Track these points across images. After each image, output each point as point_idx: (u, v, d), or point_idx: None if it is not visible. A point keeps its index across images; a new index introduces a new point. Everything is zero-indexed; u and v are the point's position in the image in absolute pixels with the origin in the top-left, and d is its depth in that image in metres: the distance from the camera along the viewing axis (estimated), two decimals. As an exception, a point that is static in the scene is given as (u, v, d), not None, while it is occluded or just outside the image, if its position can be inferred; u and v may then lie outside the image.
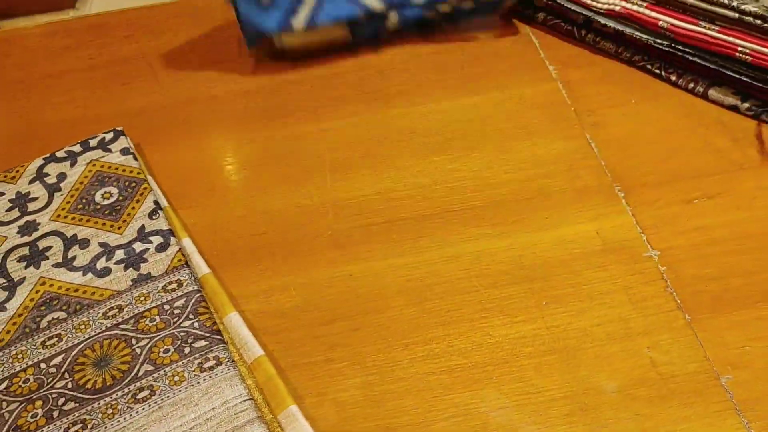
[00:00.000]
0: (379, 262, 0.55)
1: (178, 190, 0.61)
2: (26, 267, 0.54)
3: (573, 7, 0.69)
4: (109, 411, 0.45)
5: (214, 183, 0.62)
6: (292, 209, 0.59)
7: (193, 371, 0.46)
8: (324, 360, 0.49)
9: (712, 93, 0.63)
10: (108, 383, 0.46)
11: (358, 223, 0.58)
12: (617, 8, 0.66)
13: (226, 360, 0.47)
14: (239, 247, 0.57)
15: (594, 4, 0.67)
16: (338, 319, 0.52)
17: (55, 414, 0.45)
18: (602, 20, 0.67)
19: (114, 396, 0.46)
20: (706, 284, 0.51)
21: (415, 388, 0.47)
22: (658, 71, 0.66)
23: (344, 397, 0.47)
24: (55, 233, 0.56)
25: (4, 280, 0.53)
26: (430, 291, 0.52)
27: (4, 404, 0.46)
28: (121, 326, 0.49)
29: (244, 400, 0.44)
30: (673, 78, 0.65)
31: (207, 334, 0.48)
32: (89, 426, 0.44)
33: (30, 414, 0.45)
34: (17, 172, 0.61)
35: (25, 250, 0.55)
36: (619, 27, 0.66)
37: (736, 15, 0.58)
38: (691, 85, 0.64)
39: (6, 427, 0.45)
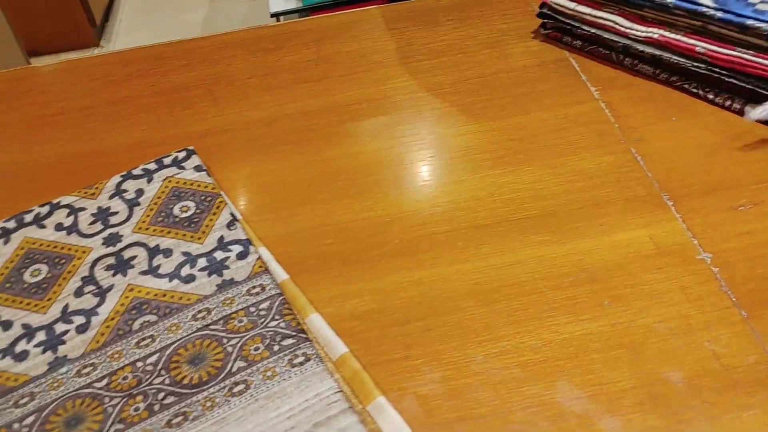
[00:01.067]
0: (447, 267, 0.58)
1: (245, 206, 0.65)
2: (114, 275, 0.57)
3: (611, 37, 0.73)
4: (208, 404, 0.48)
5: (280, 199, 0.66)
6: (358, 221, 0.63)
7: (284, 367, 0.49)
8: (402, 357, 0.52)
9: (748, 109, 0.67)
10: (204, 379, 0.49)
11: (423, 233, 0.61)
12: (655, 36, 0.70)
13: (314, 356, 0.49)
14: (309, 256, 0.60)
15: (632, 32, 0.72)
16: (412, 320, 0.55)
17: (156, 407, 0.48)
18: (640, 47, 0.71)
19: (211, 390, 0.48)
20: (759, 283, 0.54)
21: (491, 381, 0.50)
22: (695, 90, 0.70)
23: (424, 391, 0.50)
24: (139, 244, 0.59)
25: (95, 287, 0.56)
26: (498, 293, 0.55)
27: (107, 399, 0.49)
28: (211, 327, 0.52)
29: (335, 392, 0.47)
30: (710, 96, 0.69)
31: (293, 333, 0.51)
32: (190, 417, 0.47)
33: (132, 407, 0.48)
34: (96, 188, 0.65)
35: (112, 260, 0.58)
36: (657, 52, 0.70)
37: (771, 39, 0.62)
38: (728, 102, 0.68)
39: (111, 419, 0.48)
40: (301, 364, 0.49)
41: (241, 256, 0.57)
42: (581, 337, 0.52)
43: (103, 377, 0.50)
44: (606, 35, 0.73)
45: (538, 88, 0.74)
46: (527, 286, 0.56)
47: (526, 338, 0.52)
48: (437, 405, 0.49)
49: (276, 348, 0.50)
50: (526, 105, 0.72)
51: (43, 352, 0.53)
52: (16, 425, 0.48)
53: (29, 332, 0.54)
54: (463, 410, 0.49)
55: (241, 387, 0.48)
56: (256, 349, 0.50)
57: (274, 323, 0.52)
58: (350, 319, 0.55)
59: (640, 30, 0.71)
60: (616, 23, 0.73)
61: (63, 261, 0.59)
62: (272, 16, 1.80)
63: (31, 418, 0.49)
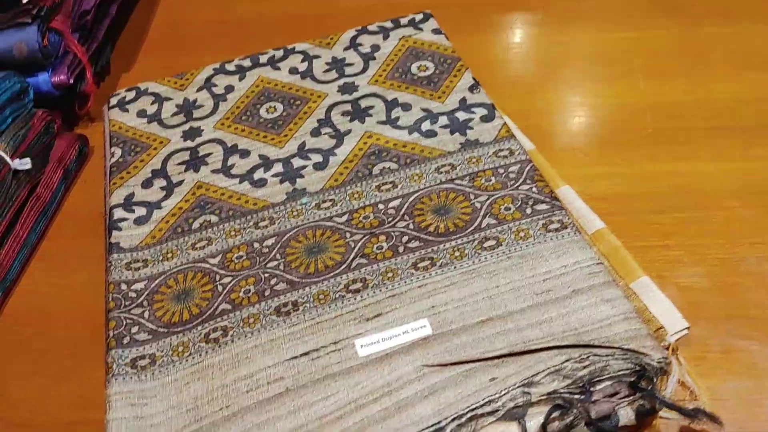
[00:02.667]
0: (707, 164, 0.52)
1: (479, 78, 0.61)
2: (351, 121, 0.55)
3: None
4: (457, 253, 0.45)
5: (520, 76, 0.62)
6: (609, 106, 0.58)
7: (539, 230, 0.45)
8: (659, 246, 0.48)
9: None
10: (450, 230, 0.46)
11: (679, 126, 0.55)
12: None
13: (570, 225, 0.46)
14: (555, 134, 0.56)
15: None
16: (668, 210, 0.49)
17: (401, 249, 0.46)
18: None
19: (458, 241, 0.46)
20: None
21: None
22: None
23: (688, 283, 0.45)
24: (375, 95, 0.57)
25: (331, 130, 0.55)
26: (770, 197, 0.49)
27: (348, 234, 0.47)
28: (456, 182, 0.49)
29: (597, 263, 0.43)
30: None
31: (547, 199, 0.47)
32: (437, 264, 0.45)
33: (375, 246, 0.46)
34: (331, 39, 0.63)
35: (348, 107, 0.56)
36: None
37: None
38: None
39: (353, 253, 0.46)
40: (557, 230, 0.45)
41: (486, 119, 0.54)
42: None
43: (343, 213, 0.49)
44: None
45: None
46: (808, 195, 0.49)
47: (807, 247, 0.46)
48: (703, 299, 0.44)
49: (528, 211, 0.47)
50: (800, 10, 0.64)
51: (281, 182, 0.51)
52: (256, 244, 0.48)
53: (266, 163, 0.53)
54: (734, 309, 0.44)
55: (491, 242, 0.45)
56: (507, 209, 0.47)
57: (525, 187, 0.48)
58: (599, 199, 0.50)
59: None
60: None
61: (298, 102, 0.57)
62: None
63: (271, 240, 0.48)
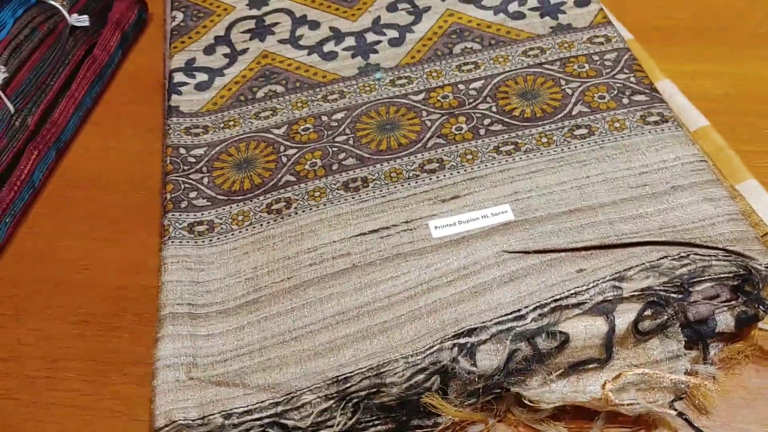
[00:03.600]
0: (824, 68, 0.47)
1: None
2: None
3: None
4: (544, 140, 0.41)
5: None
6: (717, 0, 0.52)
7: (636, 122, 0.41)
8: (763, 151, 0.43)
9: None
10: (537, 115, 0.42)
11: (795, 26, 0.50)
12: None
13: (671, 119, 0.41)
14: (656, 27, 0.51)
15: None
16: (777, 115, 0.45)
17: (482, 132, 0.42)
18: None
19: (547, 127, 0.42)
20: None
21: None
22: None
23: (795, 192, 0.41)
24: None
25: (409, 6, 0.50)
26: None
27: (424, 113, 0.44)
28: (545, 66, 0.45)
29: (700, 160, 0.39)
30: None
31: (646, 90, 0.43)
32: (522, 149, 0.41)
33: (454, 126, 0.42)
34: None
35: (422, -17, 0.52)
36: None
37: None
38: None
39: (430, 132, 0.42)
40: (656, 123, 0.41)
41: (580, 3, 0.49)
42: None
43: (420, 92, 0.45)
44: None
45: None
46: None
47: None
48: (812, 210, 0.40)
49: (625, 101, 0.42)
50: None
51: (353, 56, 0.48)
52: (324, 117, 0.44)
53: (338, 35, 0.49)
54: None
55: (583, 131, 0.41)
56: (601, 97, 0.43)
57: (622, 76, 0.44)
58: (701, 99, 0.45)
59: None
60: None
61: (374, -25, 0.53)
62: None
63: (340, 114, 0.44)
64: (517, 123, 0.42)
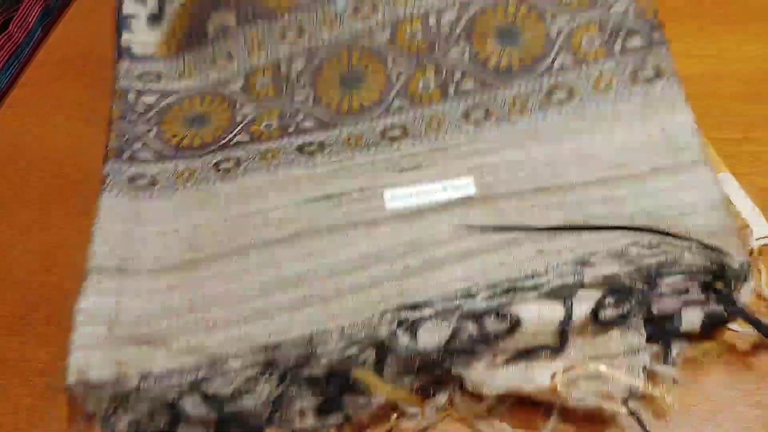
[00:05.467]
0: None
1: None
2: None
3: None
4: (518, 106, 0.38)
5: None
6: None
7: (625, 80, 0.37)
8: (740, 139, 0.40)
9: None
10: (514, 67, 0.38)
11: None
12: None
13: (671, 73, 0.37)
14: None
15: None
16: (757, 100, 0.42)
17: (451, 90, 0.39)
18: None
19: (522, 88, 0.38)
20: None
21: None
22: None
23: (766, 183, 0.38)
24: None
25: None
26: None
27: (390, 60, 0.40)
28: (531, -15, 0.40)
29: (689, 133, 0.35)
30: None
31: (645, 29, 0.38)
32: (493, 117, 0.37)
33: (421, 82, 0.39)
34: None
35: None
36: None
37: None
38: None
39: (394, 91, 0.39)
40: (648, 80, 0.37)
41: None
42: None
43: (386, 26, 0.40)
44: None
45: None
46: None
47: None
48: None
49: (617, 48, 0.38)
50: None
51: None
52: (283, 67, 0.41)
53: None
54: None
55: (561, 95, 0.37)
56: (590, 42, 0.38)
57: (620, 8, 0.39)
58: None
59: None
60: None
61: None
62: None
63: (300, 62, 0.40)
64: (490, 80, 0.38)
